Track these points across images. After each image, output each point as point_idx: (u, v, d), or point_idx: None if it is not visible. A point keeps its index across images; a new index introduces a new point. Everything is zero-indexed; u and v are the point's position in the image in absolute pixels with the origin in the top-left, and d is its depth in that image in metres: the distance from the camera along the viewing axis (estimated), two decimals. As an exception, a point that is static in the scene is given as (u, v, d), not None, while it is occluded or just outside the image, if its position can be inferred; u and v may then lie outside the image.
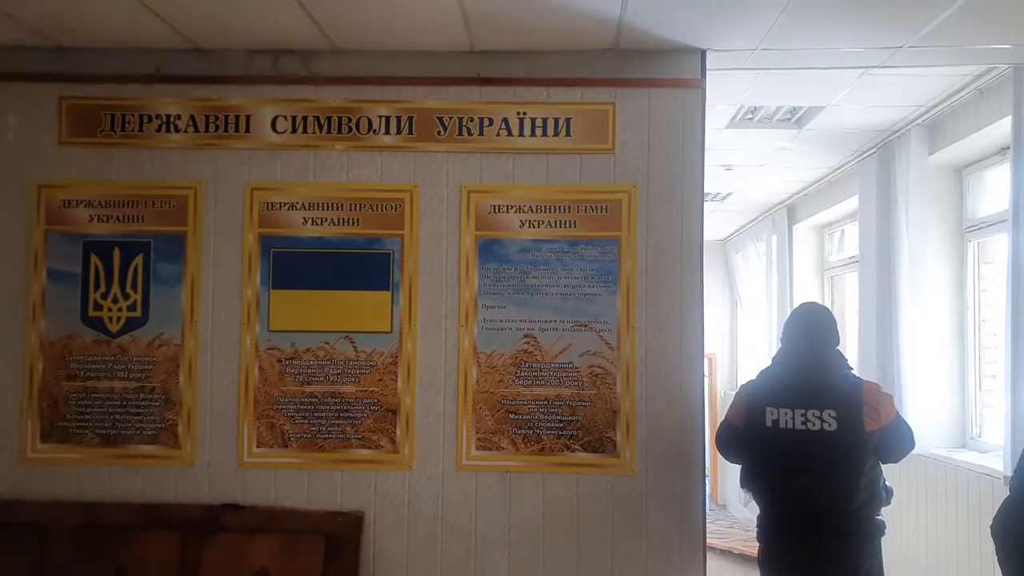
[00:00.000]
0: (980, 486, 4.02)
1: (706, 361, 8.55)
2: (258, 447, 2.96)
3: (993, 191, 4.53)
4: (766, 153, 5.23)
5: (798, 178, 5.85)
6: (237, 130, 3.01)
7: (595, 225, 2.95)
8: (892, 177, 4.80)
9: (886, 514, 2.74)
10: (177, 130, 3.02)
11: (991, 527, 1.97)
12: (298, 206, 3.00)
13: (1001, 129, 4.01)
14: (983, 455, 4.32)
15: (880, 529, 2.61)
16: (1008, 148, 4.10)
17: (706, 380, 8.38)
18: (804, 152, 5.17)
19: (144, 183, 3.02)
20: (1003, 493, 3.81)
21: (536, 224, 2.96)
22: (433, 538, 2.92)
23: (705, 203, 6.71)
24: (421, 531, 2.93)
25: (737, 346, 8.30)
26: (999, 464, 3.97)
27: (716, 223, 7.63)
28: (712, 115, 4.52)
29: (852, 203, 5.57)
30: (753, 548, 2.82)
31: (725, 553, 6.17)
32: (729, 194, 6.37)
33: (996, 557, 1.96)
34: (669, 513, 2.90)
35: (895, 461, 2.66)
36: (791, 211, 6.55)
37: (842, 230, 6.27)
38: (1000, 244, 4.58)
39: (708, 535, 6.45)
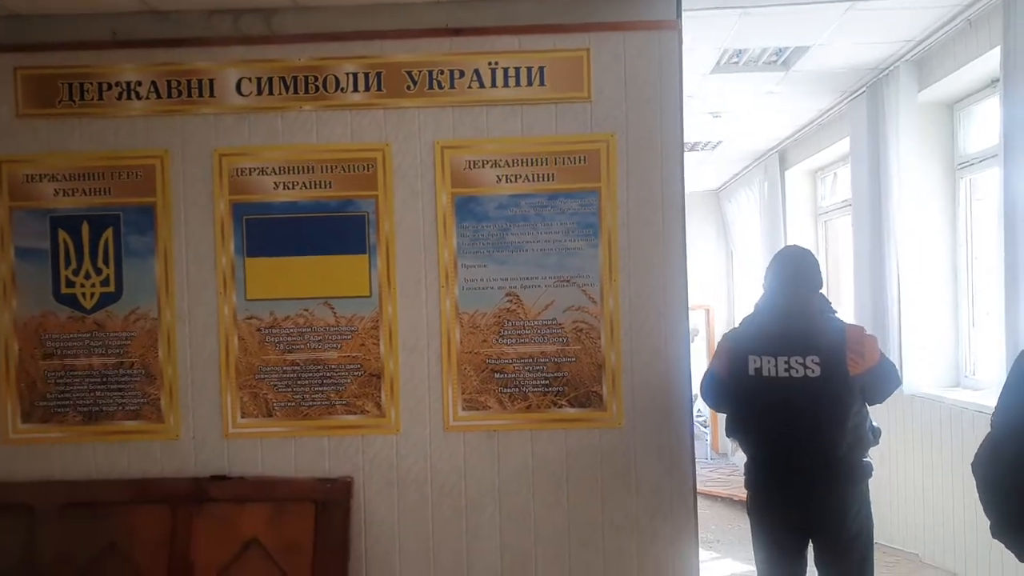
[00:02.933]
0: (975, 424, 4.02)
1: (703, 313, 8.55)
2: (243, 417, 2.93)
3: (984, 126, 4.45)
4: (754, 98, 5.13)
5: (788, 122, 5.76)
6: (201, 94, 2.93)
7: (573, 177, 2.89)
8: (882, 116, 4.71)
9: (876, 454, 2.73)
10: (139, 97, 2.93)
11: (972, 464, 1.94)
12: (268, 171, 2.93)
13: (991, 61, 3.92)
14: (976, 393, 4.32)
15: (868, 471, 2.60)
16: (999, 80, 4.02)
17: (704, 332, 8.40)
18: (792, 95, 5.07)
19: (108, 154, 2.94)
20: (997, 430, 3.82)
21: (513, 178, 2.89)
22: (423, 500, 2.92)
23: (696, 152, 6.67)
24: (411, 493, 2.92)
25: (734, 296, 8.28)
26: (994, 401, 3.97)
27: (708, 172, 7.55)
28: (695, 60, 4.42)
29: (843, 145, 5.49)
30: (752, 496, 2.81)
31: (726, 500, 6.23)
32: (719, 142, 6.28)
33: (977, 496, 1.94)
34: (658, 464, 2.89)
35: (881, 402, 2.65)
36: (783, 156, 6.47)
37: (834, 173, 6.19)
38: (992, 180, 4.52)
39: (710, 483, 6.48)
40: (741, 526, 5.82)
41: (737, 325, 2.81)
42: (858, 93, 4.95)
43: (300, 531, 2.87)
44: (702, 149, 6.41)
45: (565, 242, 2.89)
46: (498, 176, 2.89)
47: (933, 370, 4.54)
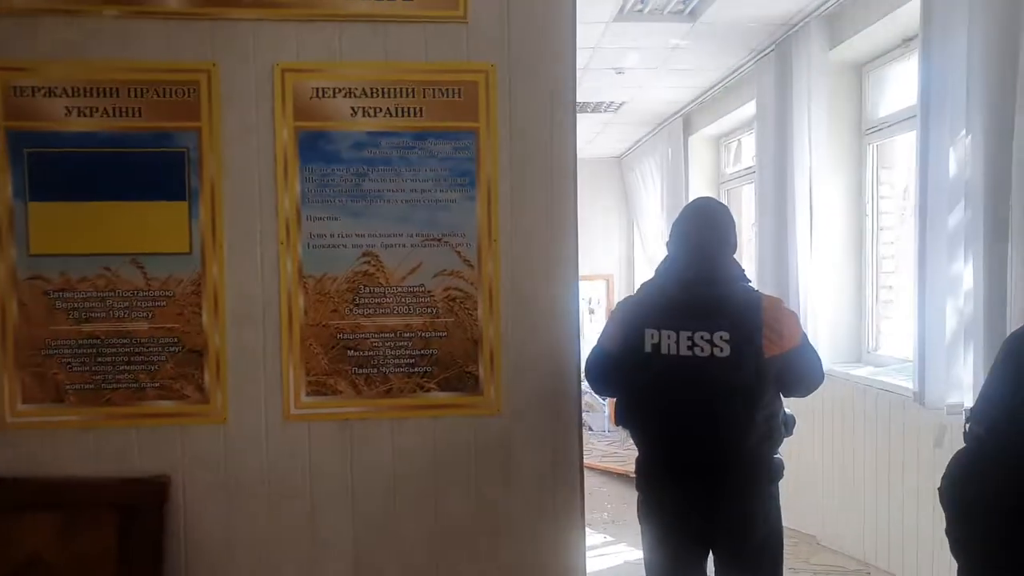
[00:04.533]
0: (878, 403, 3.79)
1: (603, 283, 8.23)
2: (24, 403, 2.29)
3: (894, 90, 4.19)
4: (659, 52, 4.72)
5: (694, 83, 5.40)
6: (-34, -11, 2.23)
7: (446, 113, 2.35)
8: (789, 78, 4.40)
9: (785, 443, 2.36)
10: None
11: (940, 488, 1.54)
12: (58, 92, 2.26)
13: (904, 17, 3.62)
14: (878, 369, 4.10)
15: (778, 470, 2.21)
16: (912, 38, 3.74)
17: (603, 303, 8.08)
18: (699, 51, 4.69)
19: None
20: (907, 409, 3.57)
21: (372, 112, 2.33)
22: (259, 503, 2.36)
23: (599, 114, 6.22)
24: (244, 496, 2.36)
25: (634, 267, 7.99)
26: (899, 379, 3.74)
27: (611, 138, 7.16)
28: (597, 6, 3.96)
29: (749, 109, 5.18)
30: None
31: (622, 477, 5.92)
32: (623, 103, 5.87)
33: (947, 527, 1.54)
34: (541, 457, 2.43)
35: (800, 395, 2.23)
36: (687, 122, 6.13)
37: (739, 140, 5.91)
38: (898, 147, 4.29)
39: (606, 459, 6.11)
40: (637, 505, 5.54)
41: (635, 292, 2.36)
42: (766, 51, 4.61)
43: (99, 544, 2.26)
44: (605, 110, 5.99)
45: (435, 192, 2.37)
46: (353, 108, 2.33)
47: (835, 345, 4.29)
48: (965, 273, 2.97)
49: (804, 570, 3.78)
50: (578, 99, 5.77)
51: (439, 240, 2.37)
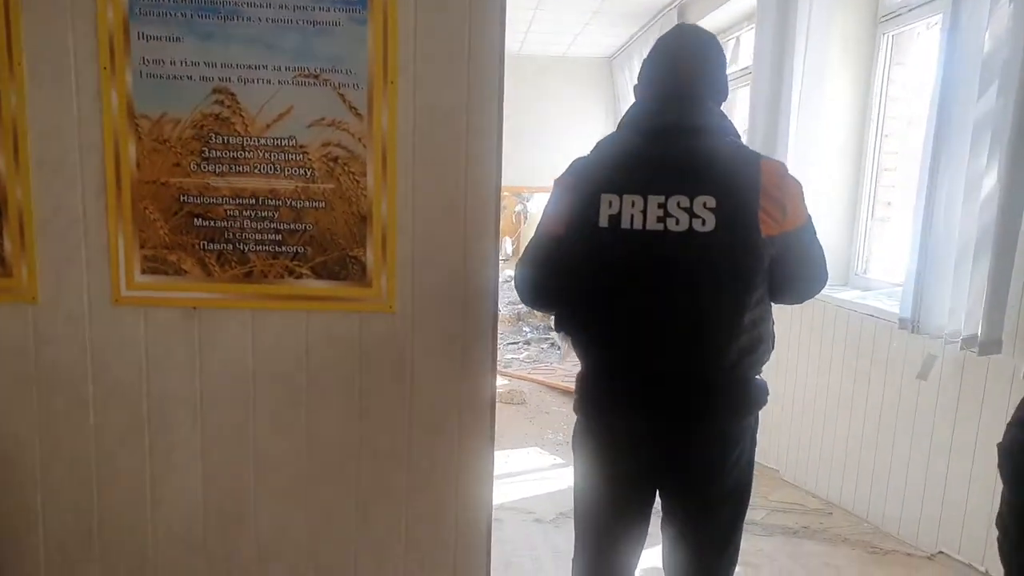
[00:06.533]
0: (863, 327, 3.22)
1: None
2: None
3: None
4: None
5: (691, -37, 4.58)
6: None
7: (329, -101, 1.66)
8: (799, -45, 3.62)
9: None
10: None
11: (1001, 445, 1.00)
12: None
13: None
14: (866, 293, 3.51)
15: (762, 396, 1.57)
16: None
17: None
18: (699, -83, 3.87)
19: None
20: (893, 337, 3.01)
21: None
22: (80, 405, 1.80)
23: (583, 3, 5.39)
24: (60, 395, 1.79)
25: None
26: (887, 304, 3.16)
27: (599, 34, 6.32)
28: None
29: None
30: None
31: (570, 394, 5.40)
32: (612, -13, 5.04)
33: (1006, 481, 1.04)
34: (444, 367, 1.85)
35: (795, 298, 1.57)
36: (682, 13, 5.31)
37: (737, 37, 5.11)
38: (919, 40, 3.55)
39: (568, 379, 5.56)
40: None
41: (588, 153, 1.67)
42: (777, -79, 3.80)
43: None
44: (592, -4, 5.17)
45: (313, 11, 1.69)
46: None
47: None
48: (987, 175, 2.34)
49: (762, 507, 3.29)
50: (560, -24, 4.89)
51: (316, 77, 1.71)
